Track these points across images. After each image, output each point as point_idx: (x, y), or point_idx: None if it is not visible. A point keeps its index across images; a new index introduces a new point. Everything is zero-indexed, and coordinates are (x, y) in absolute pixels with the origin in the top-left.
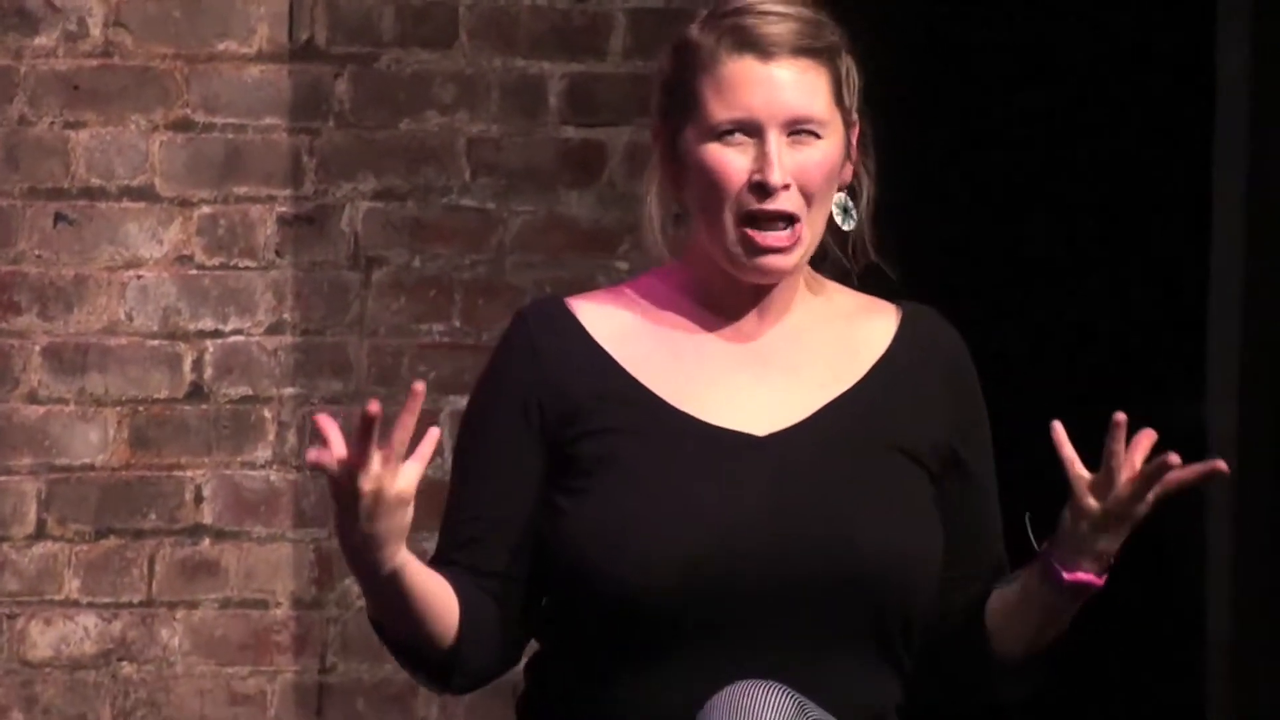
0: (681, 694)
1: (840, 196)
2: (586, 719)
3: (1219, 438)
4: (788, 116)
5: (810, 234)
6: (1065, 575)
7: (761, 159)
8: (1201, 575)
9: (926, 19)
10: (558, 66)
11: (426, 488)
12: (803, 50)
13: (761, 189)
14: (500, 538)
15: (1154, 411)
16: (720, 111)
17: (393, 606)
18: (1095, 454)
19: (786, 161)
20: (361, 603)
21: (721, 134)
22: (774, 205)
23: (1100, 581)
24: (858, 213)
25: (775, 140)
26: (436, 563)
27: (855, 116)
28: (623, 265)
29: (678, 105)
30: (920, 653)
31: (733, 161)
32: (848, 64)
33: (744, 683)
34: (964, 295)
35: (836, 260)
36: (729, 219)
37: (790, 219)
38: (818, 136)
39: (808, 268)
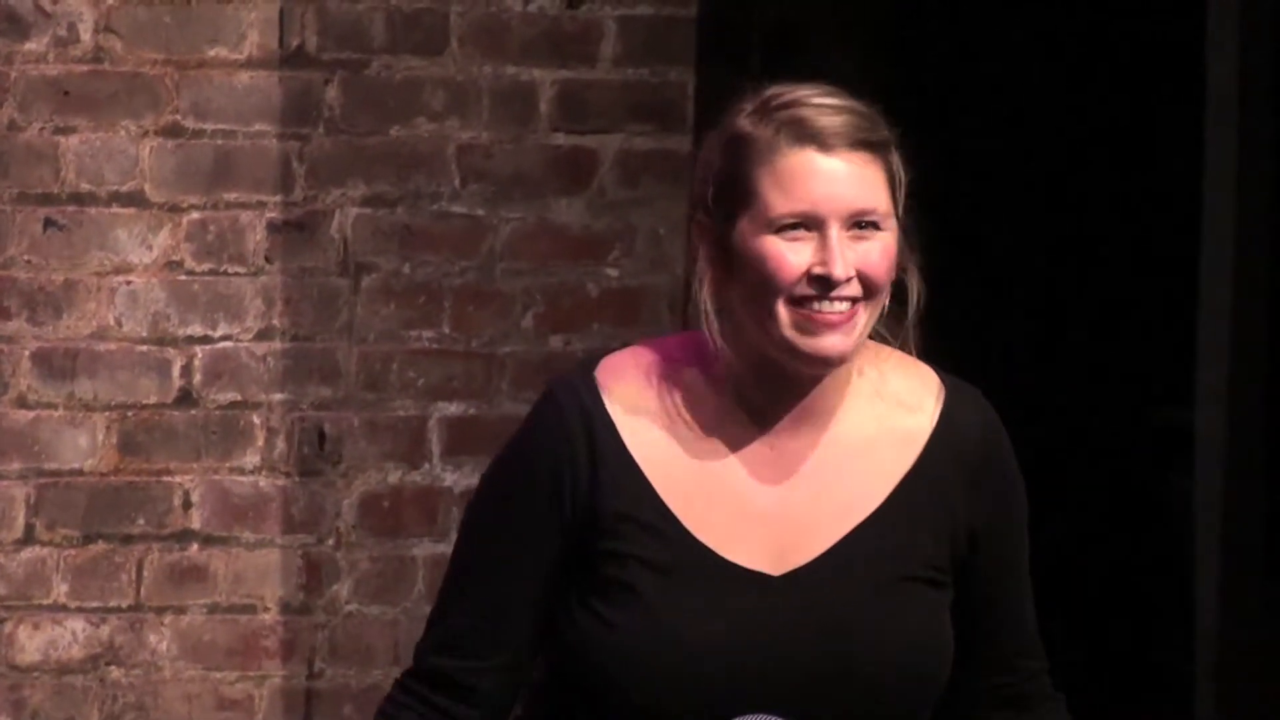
0: None
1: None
2: None
3: (1206, 439)
4: (850, 210)
5: (866, 322)
6: None
7: (824, 251)
8: (1191, 577)
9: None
10: (548, 73)
11: (417, 494)
12: (861, 144)
13: (823, 283)
14: (512, 624)
15: (1142, 414)
16: (781, 204)
17: None
18: (1087, 456)
19: (849, 255)
20: (349, 608)
21: (781, 228)
22: (836, 295)
23: None
24: (909, 309)
25: (837, 233)
26: (425, 659)
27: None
28: (612, 272)
29: (730, 197)
30: None
31: (793, 254)
32: (897, 160)
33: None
34: (953, 300)
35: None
36: (784, 309)
37: (851, 302)
38: (878, 228)
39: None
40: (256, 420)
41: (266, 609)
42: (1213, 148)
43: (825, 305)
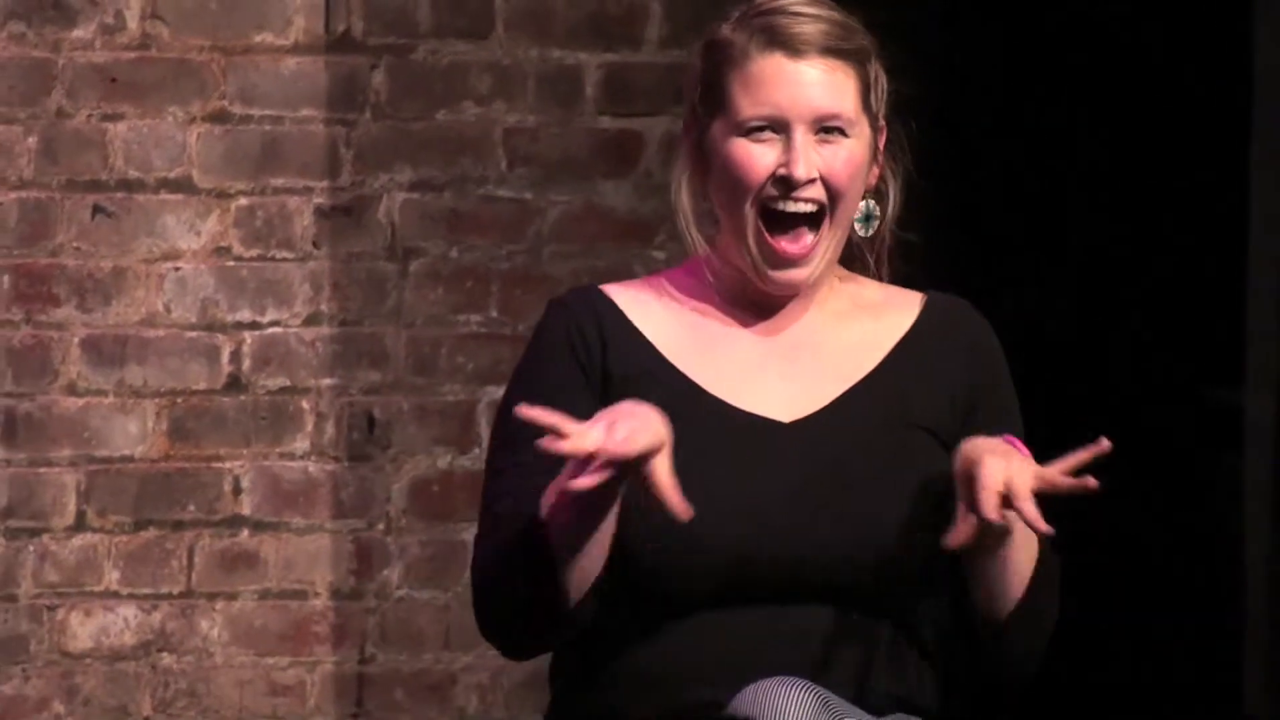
0: (708, 677)
1: (864, 203)
2: (615, 706)
3: (1256, 425)
4: (815, 114)
5: (832, 237)
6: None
7: (787, 154)
8: (1240, 562)
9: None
10: (594, 56)
11: (466, 479)
12: (832, 51)
13: (786, 183)
14: None
15: (1191, 398)
16: (748, 107)
17: (594, 527)
18: (1136, 437)
19: (813, 158)
20: (400, 593)
21: (749, 130)
22: (798, 195)
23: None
24: (883, 217)
25: (801, 136)
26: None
27: (883, 122)
28: (659, 255)
29: (708, 101)
30: (954, 640)
31: (759, 156)
32: (876, 69)
33: (768, 679)
34: (1005, 283)
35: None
36: (751, 215)
37: (813, 219)
38: (844, 135)
39: (838, 265)
40: (306, 406)
41: (317, 594)
42: (1260, 129)
43: (788, 232)
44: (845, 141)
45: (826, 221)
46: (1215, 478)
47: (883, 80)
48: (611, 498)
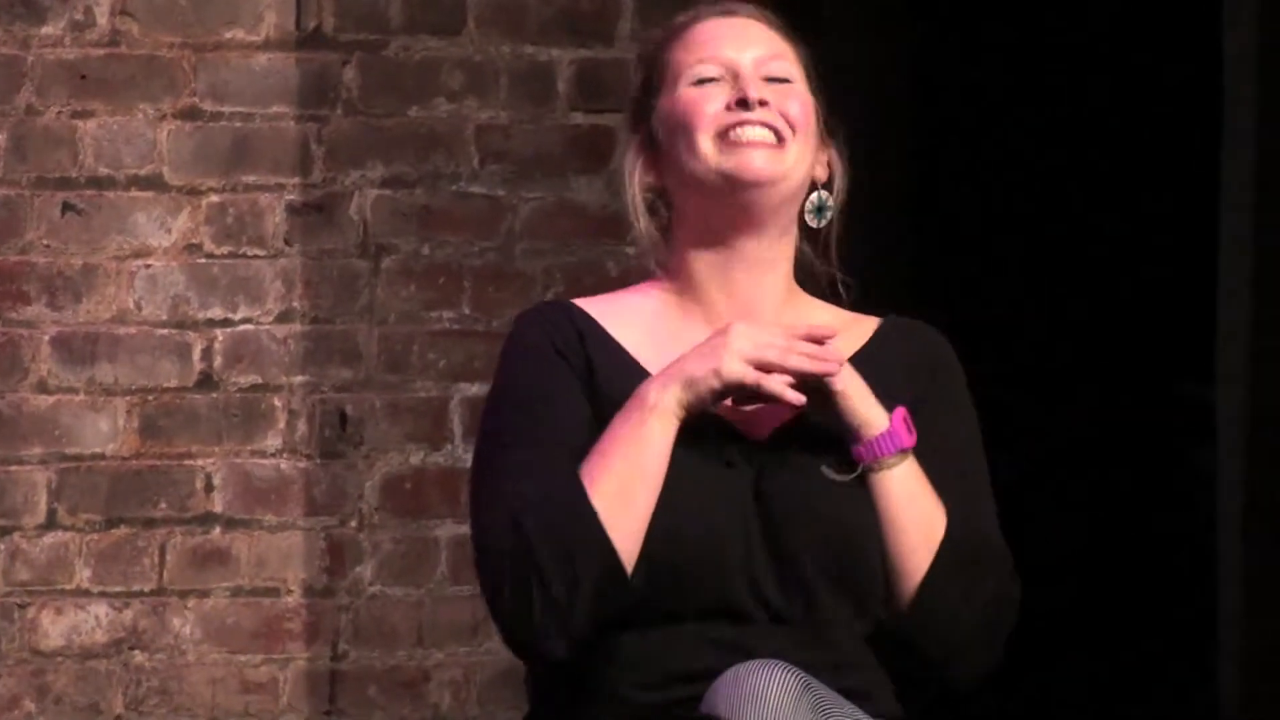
0: (687, 667)
1: (815, 196)
2: (593, 697)
3: (1228, 420)
4: (759, 54)
5: (797, 155)
6: (864, 455)
7: (737, 87)
8: (1212, 556)
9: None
10: (566, 53)
11: (439, 475)
12: (767, 21)
13: (742, 104)
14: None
15: (1163, 393)
16: (693, 62)
17: (655, 486)
18: (1107, 436)
19: (765, 91)
20: (373, 590)
21: (696, 81)
22: (753, 118)
23: (884, 429)
24: (833, 206)
25: (750, 72)
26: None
27: (823, 106)
28: (632, 251)
29: (649, 88)
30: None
31: (709, 95)
32: (807, 55)
33: (749, 663)
34: (974, 280)
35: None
36: (709, 141)
37: (773, 131)
38: (790, 82)
39: (794, 284)
40: (278, 403)
41: (289, 591)
42: (1231, 122)
43: (747, 129)
44: (792, 86)
45: (788, 142)
46: (1187, 473)
47: (812, 67)
48: (670, 444)
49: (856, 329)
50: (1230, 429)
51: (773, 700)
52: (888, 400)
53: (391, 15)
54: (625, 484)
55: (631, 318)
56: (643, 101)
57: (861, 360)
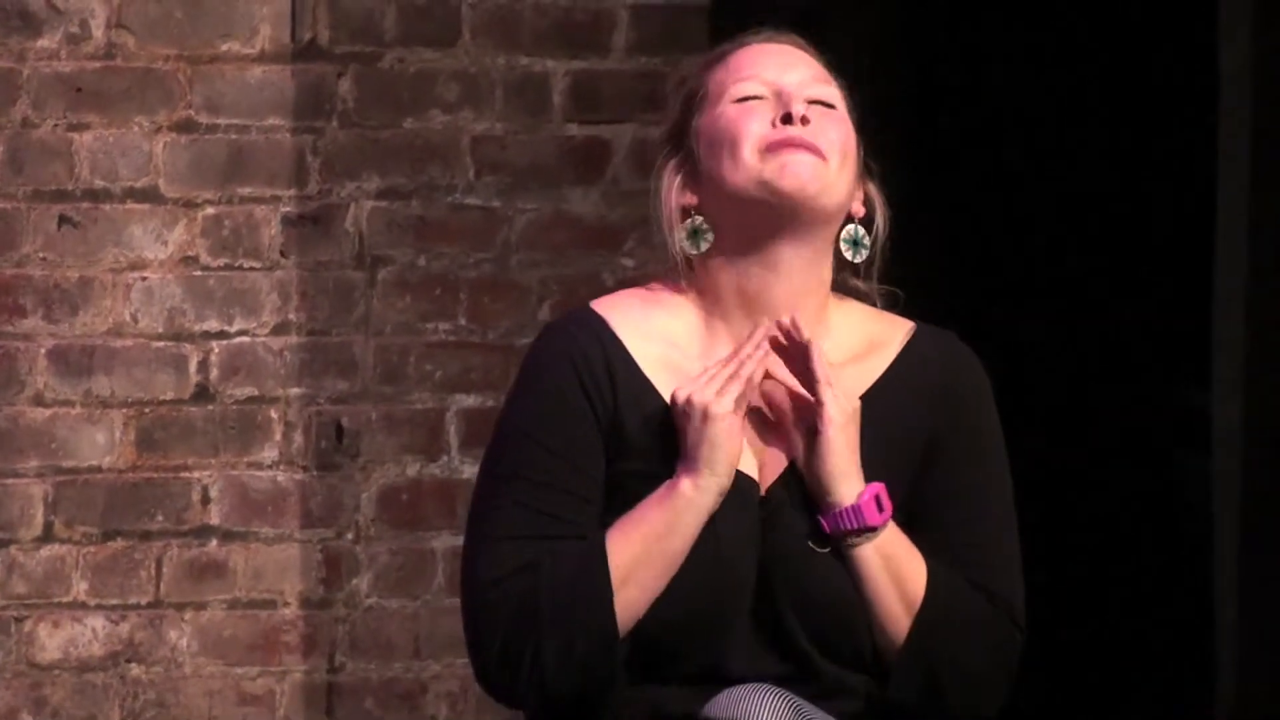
0: (681, 705)
1: (851, 228)
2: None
3: (1224, 427)
4: (803, 77)
5: (838, 172)
6: (827, 527)
7: (781, 104)
8: (1209, 564)
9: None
10: (561, 64)
11: (435, 487)
12: (812, 52)
13: (785, 120)
14: (591, 511)
15: (1160, 401)
16: (735, 81)
17: (676, 553)
18: (1103, 444)
19: (809, 111)
20: (369, 601)
21: (739, 99)
22: (797, 133)
23: (849, 505)
24: (870, 243)
25: (794, 91)
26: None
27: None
28: (628, 262)
29: (689, 110)
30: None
31: (753, 112)
32: (850, 98)
33: (741, 686)
34: (969, 288)
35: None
36: (753, 154)
37: (816, 152)
38: (834, 108)
39: (829, 301)
40: (274, 415)
41: (286, 604)
42: (1226, 133)
43: (790, 148)
44: (836, 113)
45: (828, 162)
46: (1184, 481)
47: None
48: (696, 533)
49: (881, 351)
50: (1227, 438)
51: None
52: (900, 436)
53: (386, 27)
54: (647, 577)
55: (659, 343)
56: (681, 122)
57: (879, 392)
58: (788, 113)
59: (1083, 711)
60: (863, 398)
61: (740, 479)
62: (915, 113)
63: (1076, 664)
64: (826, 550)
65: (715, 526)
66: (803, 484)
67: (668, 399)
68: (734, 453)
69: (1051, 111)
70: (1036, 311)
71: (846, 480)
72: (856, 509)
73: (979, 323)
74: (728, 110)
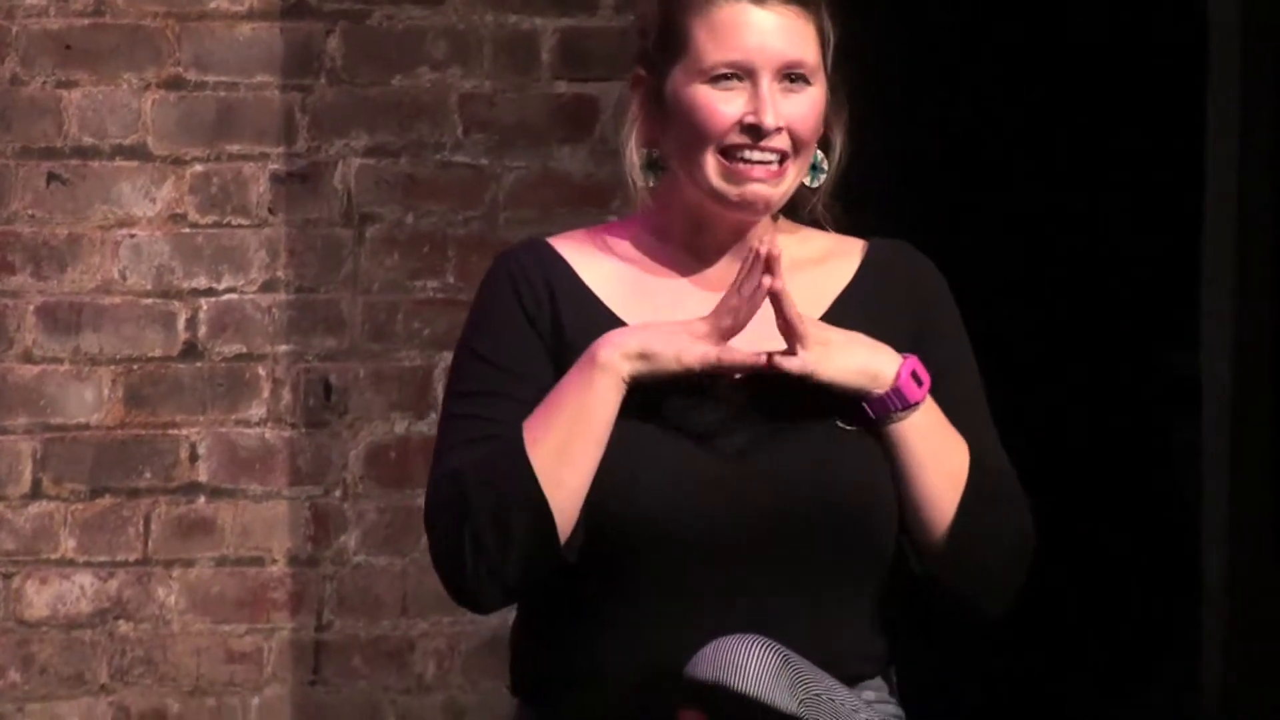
0: (669, 638)
1: (814, 154)
2: (576, 667)
3: (1213, 391)
4: (781, 61)
5: (794, 176)
6: (871, 412)
7: (755, 101)
8: (1197, 526)
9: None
10: (549, 21)
11: (423, 444)
12: (795, 7)
13: (754, 131)
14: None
15: (1148, 365)
16: (714, 53)
17: (597, 442)
18: (1093, 405)
19: (780, 106)
20: (357, 559)
21: (714, 77)
22: (764, 145)
23: (890, 386)
24: (831, 167)
25: (768, 84)
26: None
27: (833, 74)
28: (615, 220)
29: (665, 47)
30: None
31: (725, 103)
32: (828, 22)
33: (728, 637)
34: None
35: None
36: (713, 158)
37: (778, 155)
38: (808, 83)
39: (781, 215)
40: (262, 372)
41: (274, 561)
42: (1215, 99)
43: (754, 155)
44: (809, 89)
45: (790, 162)
46: (1173, 444)
47: (831, 31)
48: (616, 404)
49: (843, 259)
50: (1215, 401)
51: (751, 673)
52: (886, 332)
53: None
54: (565, 440)
55: (607, 261)
56: (651, 59)
57: (851, 294)
58: (758, 125)
59: (1067, 681)
60: (836, 302)
61: (702, 378)
62: (899, 89)
63: (1061, 633)
64: (849, 429)
65: (683, 416)
66: (783, 379)
67: (615, 311)
68: (665, 371)
69: (1042, 74)
70: (1023, 276)
71: (860, 370)
72: (898, 389)
73: (964, 288)
74: (700, 94)
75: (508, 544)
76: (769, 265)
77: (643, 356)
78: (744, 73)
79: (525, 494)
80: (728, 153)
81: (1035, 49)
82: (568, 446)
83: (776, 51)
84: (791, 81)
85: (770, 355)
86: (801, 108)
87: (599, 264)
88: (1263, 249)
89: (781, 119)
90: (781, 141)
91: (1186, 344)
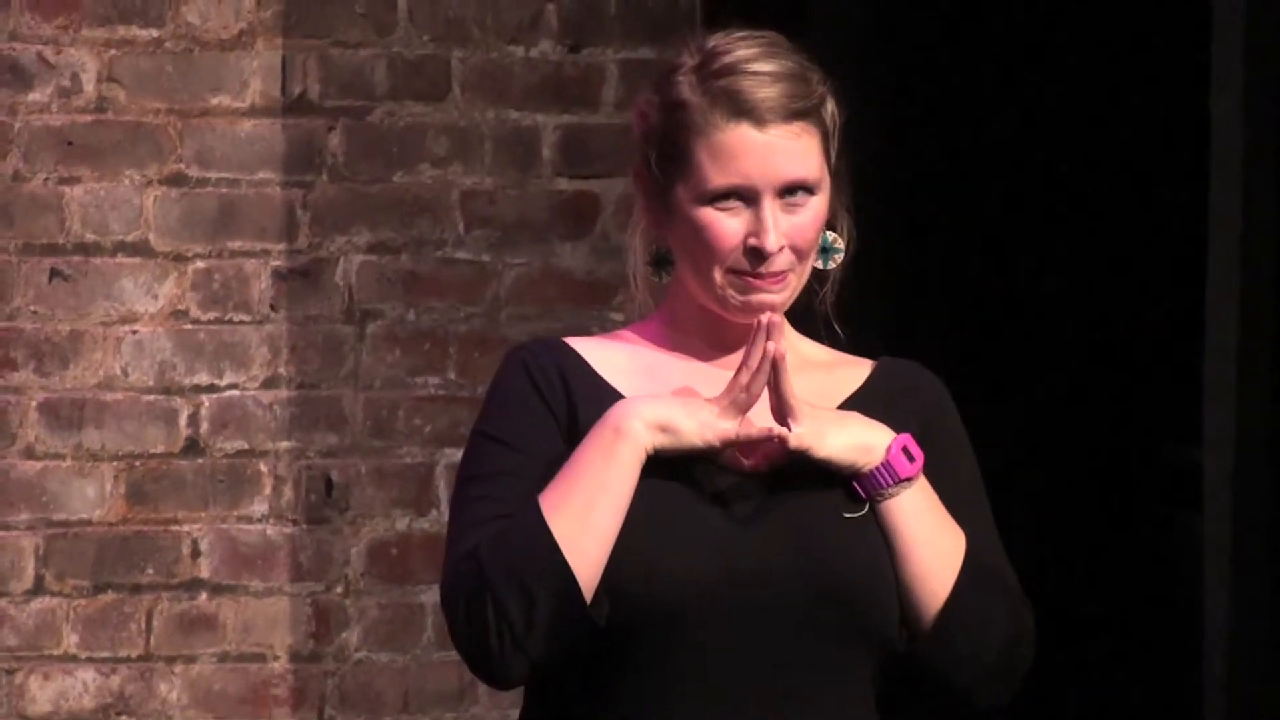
0: (676, 710)
1: (825, 235)
2: None
3: (1214, 483)
4: (783, 182)
5: (799, 278)
6: (861, 491)
7: (756, 224)
8: (1199, 574)
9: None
10: (550, 118)
11: (425, 541)
12: (796, 114)
13: (756, 255)
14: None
15: (1149, 456)
16: (716, 177)
17: (617, 510)
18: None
19: (782, 225)
20: (359, 655)
21: (715, 198)
22: (768, 267)
23: (881, 460)
24: (847, 248)
25: (770, 206)
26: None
27: (836, 161)
28: (617, 316)
29: (668, 162)
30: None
31: (726, 225)
32: (832, 110)
33: None
34: (958, 302)
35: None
36: (719, 275)
37: (781, 281)
38: (811, 194)
39: (788, 323)
40: (264, 468)
41: (276, 657)
42: (1218, 182)
43: (759, 269)
44: (811, 201)
45: (795, 270)
46: (1174, 537)
47: (838, 116)
48: (636, 474)
49: (852, 368)
50: (1217, 492)
51: None
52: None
53: (376, 81)
54: (586, 508)
55: (620, 353)
56: (653, 169)
57: (858, 400)
58: (760, 249)
59: None
60: (843, 404)
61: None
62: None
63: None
64: (857, 514)
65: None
66: (797, 463)
67: (620, 390)
68: (688, 446)
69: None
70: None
71: (852, 448)
72: (887, 464)
73: (964, 373)
74: (703, 215)
75: (532, 611)
76: (770, 333)
77: (665, 429)
78: (746, 195)
79: (548, 560)
80: (733, 272)
81: (1032, 126)
82: (588, 514)
83: (778, 173)
84: (793, 195)
85: (771, 430)
86: (804, 223)
87: (612, 355)
88: (1265, 339)
89: (783, 238)
90: (784, 260)
91: (1188, 435)
